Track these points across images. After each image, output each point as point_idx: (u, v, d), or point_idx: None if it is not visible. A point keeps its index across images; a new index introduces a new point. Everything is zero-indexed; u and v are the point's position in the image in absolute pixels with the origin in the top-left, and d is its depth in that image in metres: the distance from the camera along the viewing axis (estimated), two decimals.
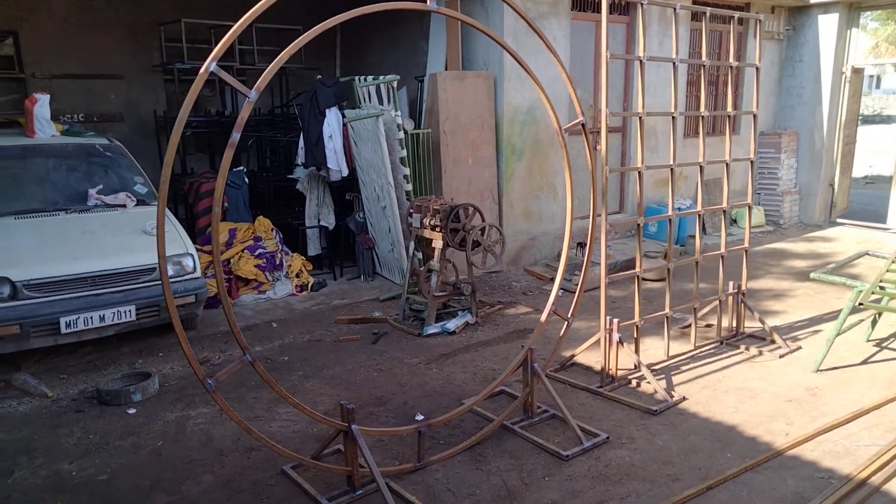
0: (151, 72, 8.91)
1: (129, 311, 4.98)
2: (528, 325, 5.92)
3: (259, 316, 6.13)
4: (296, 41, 3.02)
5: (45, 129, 6.08)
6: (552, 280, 6.93)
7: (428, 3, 3.39)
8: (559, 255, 7.57)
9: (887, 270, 5.05)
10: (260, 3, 2.81)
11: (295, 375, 4.88)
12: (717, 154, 6.77)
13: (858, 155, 19.30)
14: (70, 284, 4.82)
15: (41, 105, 6.04)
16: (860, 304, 4.51)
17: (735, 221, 10.06)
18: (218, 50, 2.77)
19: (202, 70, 2.78)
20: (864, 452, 3.68)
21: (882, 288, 4.71)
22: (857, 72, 10.42)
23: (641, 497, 3.31)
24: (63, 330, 4.74)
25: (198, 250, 6.36)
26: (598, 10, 7.89)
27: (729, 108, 5.23)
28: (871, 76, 42.17)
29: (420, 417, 4.14)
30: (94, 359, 5.17)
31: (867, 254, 5.87)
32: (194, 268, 5.34)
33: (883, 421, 4.06)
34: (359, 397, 4.47)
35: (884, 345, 5.36)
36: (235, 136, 2.92)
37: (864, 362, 5.02)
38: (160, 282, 5.07)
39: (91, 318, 4.83)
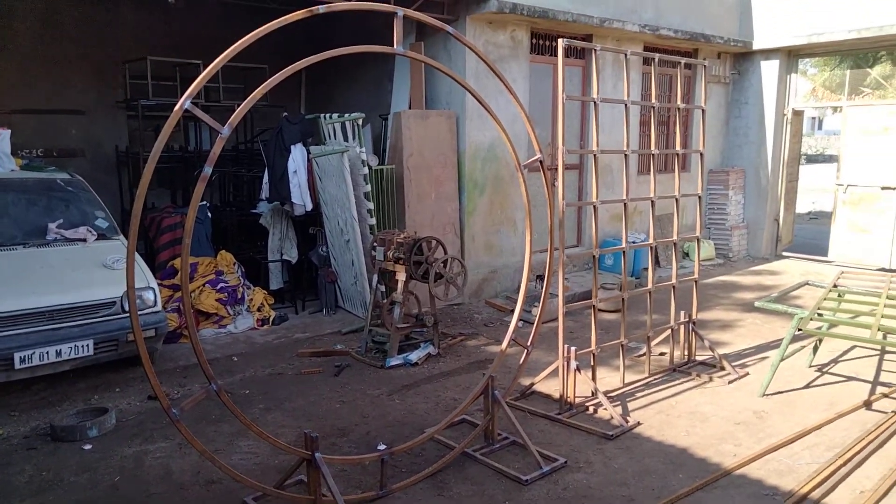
0: (115, 108, 8.91)
1: (87, 345, 4.92)
2: (489, 355, 6.03)
3: (220, 350, 6.10)
4: (269, 80, 3.17)
5: (4, 163, 6.05)
6: (513, 311, 7.10)
7: (395, 46, 3.58)
8: (519, 288, 7.76)
9: (825, 299, 5.36)
10: (235, 46, 2.95)
11: (256, 408, 4.87)
12: (669, 190, 7.11)
13: (802, 192, 20.26)
14: (26, 319, 4.77)
15: (1, 140, 6.02)
16: (799, 329, 4.77)
17: (687, 255, 10.44)
18: (193, 88, 2.90)
19: (177, 107, 2.89)
20: (805, 470, 3.87)
21: (820, 315, 5.00)
22: (798, 114, 11.07)
23: None
24: (17, 365, 4.67)
25: (159, 285, 6.34)
26: (555, 54, 8.24)
27: (678, 147, 5.54)
28: (814, 118, 44.49)
29: (382, 447, 4.18)
30: (47, 395, 5.06)
31: (808, 283, 6.20)
32: (155, 301, 5.33)
33: (823, 440, 4.28)
34: (321, 429, 4.49)
35: (825, 369, 5.64)
36: (207, 169, 3.03)
37: (807, 386, 5.27)
38: (119, 316, 5.10)
39: (47, 353, 4.76)
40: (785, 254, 11.13)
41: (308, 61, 3.19)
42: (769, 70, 10.62)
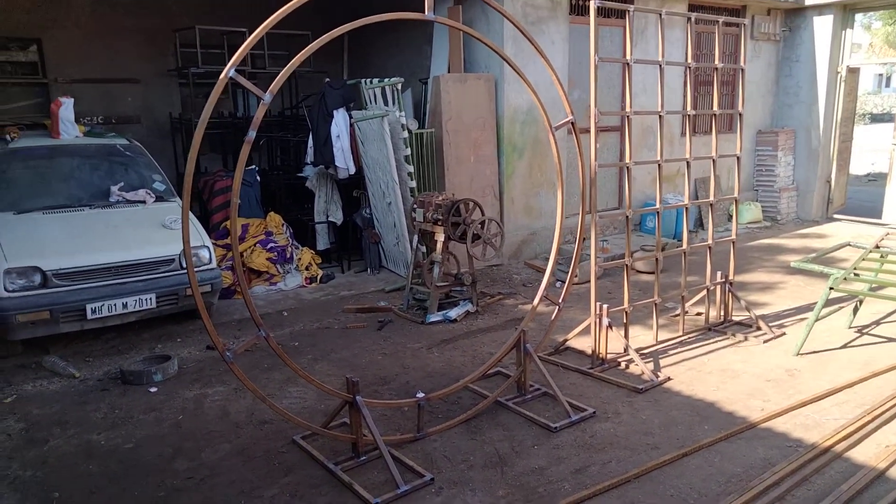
0: (167, 76, 9.29)
1: (150, 298, 5.33)
2: (525, 314, 6.20)
3: (271, 306, 6.47)
4: (306, 48, 3.36)
5: (69, 130, 6.45)
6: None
7: (426, 13, 3.71)
8: (560, 249, 7.86)
9: (863, 259, 5.31)
10: (275, 15, 3.13)
11: (304, 359, 5.20)
12: (721, 151, 7.05)
13: (864, 153, 19.46)
14: (95, 274, 5.18)
15: (66, 108, 6.42)
16: (831, 288, 4.77)
17: (732, 217, 10.30)
18: (237, 57, 3.10)
19: (222, 76, 3.11)
20: (832, 425, 3.95)
21: (856, 275, 4.98)
22: (853, 71, 10.64)
23: (621, 463, 3.61)
24: (89, 316, 5.10)
25: (214, 245, 6.72)
26: (597, 14, 8.18)
27: (715, 108, 5.50)
28: (881, 75, 42.12)
29: (421, 394, 4.44)
30: (116, 343, 5.52)
31: (849, 244, 6.12)
32: (210, 259, 5.68)
33: (854, 398, 4.33)
34: (364, 377, 4.78)
35: (864, 331, 5.62)
36: (252, 133, 3.26)
37: (844, 346, 5.28)
38: (178, 272, 5.48)
39: (115, 305, 5.18)
40: (836, 216, 10.86)
41: (342, 29, 3.35)
42: (822, 26, 10.21)
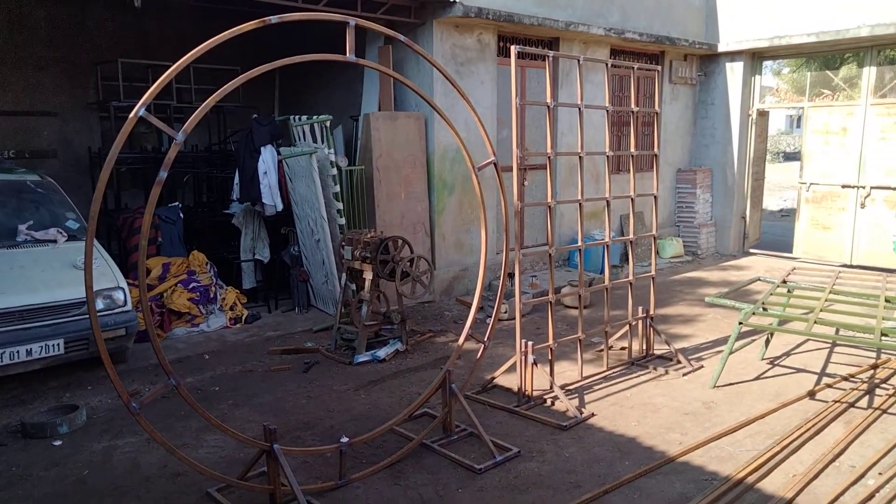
0: (87, 109, 8.97)
1: (58, 344, 5.03)
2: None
3: (192, 348, 6.22)
4: (223, 88, 3.31)
5: None
6: (482, 309, 7.28)
7: (348, 55, 3.74)
8: (491, 285, 7.95)
9: (771, 294, 5.60)
10: (190, 54, 3.09)
11: (225, 404, 5.01)
12: (641, 189, 7.32)
13: (778, 189, 20.68)
14: None
15: None
16: (740, 323, 5.00)
17: (657, 252, 10.69)
18: (147, 96, 3.03)
19: (132, 114, 3.03)
20: (745, 456, 4.08)
21: (765, 309, 5.23)
22: (763, 114, 11.37)
23: (545, 503, 3.61)
24: None
25: (130, 285, 6.43)
26: (523, 57, 8.47)
27: (632, 149, 5.74)
28: (791, 116, 45.20)
29: (344, 439, 4.33)
30: (19, 393, 5.16)
31: (759, 279, 6.45)
32: (125, 301, 5.43)
33: (765, 429, 4.51)
34: (287, 423, 4.64)
35: (776, 362, 5.89)
36: (162, 174, 3.17)
37: (757, 378, 5.51)
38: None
39: (17, 352, 4.86)
40: (752, 250, 11.44)
41: (261, 69, 3.34)
42: (734, 72, 10.90)
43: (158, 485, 3.85)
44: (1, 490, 3.80)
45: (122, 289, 5.46)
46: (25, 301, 4.98)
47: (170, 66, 3.10)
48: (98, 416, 4.81)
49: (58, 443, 4.38)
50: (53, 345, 5.01)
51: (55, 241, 5.81)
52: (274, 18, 3.34)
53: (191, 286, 6.69)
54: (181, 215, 7.45)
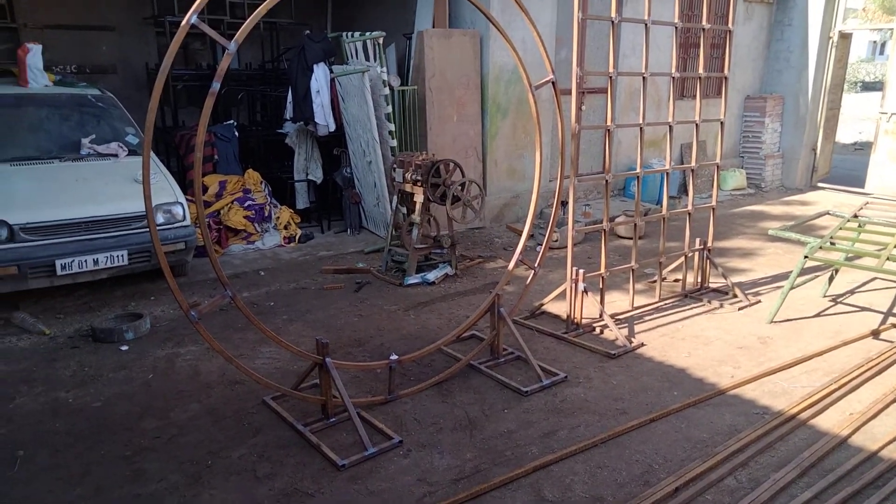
0: (143, 24, 8.96)
1: (122, 255, 5.23)
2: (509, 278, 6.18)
3: (247, 265, 6.39)
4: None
5: (38, 78, 6.22)
6: (532, 237, 7.20)
7: None
8: (542, 213, 7.82)
9: (840, 228, 5.31)
10: None
11: (279, 319, 5.17)
12: (708, 116, 6.93)
13: (853, 121, 19.39)
14: (65, 229, 5.06)
15: (34, 55, 6.17)
16: (806, 257, 4.77)
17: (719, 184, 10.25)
18: (198, 4, 2.95)
19: (183, 23, 2.96)
20: (799, 393, 3.99)
21: (833, 244, 4.98)
22: (845, 37, 10.49)
23: (590, 427, 3.63)
24: (59, 272, 5.00)
25: (188, 201, 6.59)
26: None
27: (700, 71, 5.40)
28: (874, 42, 41.73)
29: (394, 357, 4.43)
30: (88, 300, 5.44)
31: (828, 213, 6.11)
32: (184, 216, 5.57)
33: (823, 366, 4.38)
34: (339, 339, 4.77)
35: (839, 300, 5.65)
36: (215, 85, 3.12)
37: (817, 315, 5.31)
38: None
39: (85, 261, 5.08)
40: (820, 185, 10.86)
41: None
42: None
43: (217, 391, 4.04)
44: (76, 387, 4.06)
45: (181, 204, 5.58)
46: (91, 213, 5.16)
47: None
48: (161, 325, 5.04)
49: (124, 348, 4.63)
50: (118, 255, 5.21)
51: (116, 156, 5.95)
52: None
53: (246, 204, 6.80)
54: (236, 133, 7.50)
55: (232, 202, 6.75)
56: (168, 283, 3.14)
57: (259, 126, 8.79)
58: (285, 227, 7.04)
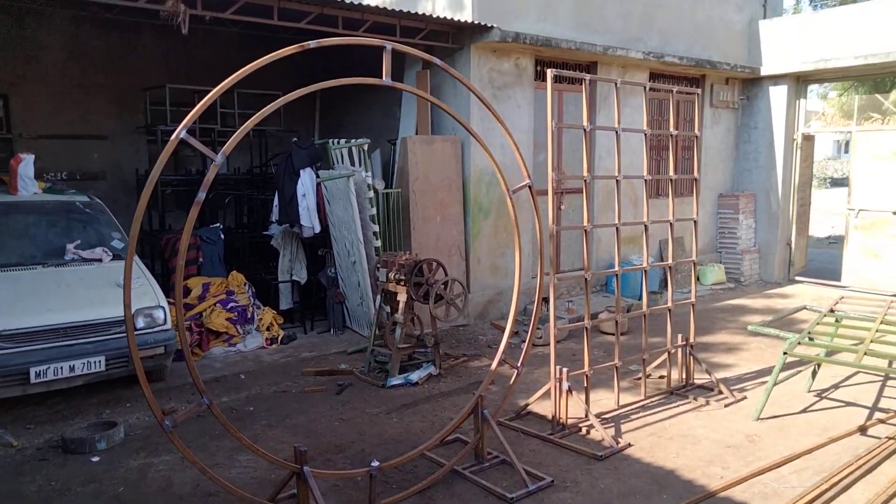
0: (136, 133, 9.30)
1: (99, 361, 5.14)
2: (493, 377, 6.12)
3: (228, 368, 6.29)
4: (259, 112, 3.38)
5: (27, 187, 6.36)
6: (517, 333, 7.20)
7: (384, 78, 3.77)
8: (526, 310, 7.87)
9: (818, 323, 5.38)
10: (228, 79, 3.17)
11: (258, 424, 5.03)
12: (681, 214, 7.17)
13: (825, 216, 20.07)
14: (41, 335, 5.00)
15: (25, 164, 6.34)
16: (785, 353, 4.80)
17: (698, 279, 10.44)
18: (189, 119, 3.11)
19: (173, 136, 3.11)
20: (790, 494, 3.89)
21: (811, 339, 5.03)
22: (808, 139, 11.08)
23: None
24: (33, 380, 4.89)
25: (171, 304, 6.56)
26: (561, 81, 8.47)
27: (671, 173, 5.65)
28: (838, 141, 43.96)
29: (375, 463, 4.29)
30: (61, 409, 5.28)
31: (805, 308, 6.22)
32: (165, 320, 5.54)
33: (813, 465, 4.30)
34: (318, 445, 4.63)
35: (824, 395, 5.63)
36: (201, 195, 3.23)
37: (804, 411, 5.27)
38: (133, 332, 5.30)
39: (61, 368, 4.98)
40: (798, 278, 11.07)
41: (297, 94, 3.40)
42: (778, 95, 10.67)
43: None
44: None
45: (163, 308, 5.57)
46: (70, 318, 5.12)
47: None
48: (135, 433, 4.88)
49: (95, 458, 4.45)
50: (95, 361, 5.12)
51: (100, 260, 5.99)
52: (312, 43, 3.40)
53: (229, 306, 6.79)
54: (222, 236, 7.61)
55: (215, 304, 6.74)
56: (159, 387, 3.09)
57: (245, 228, 8.93)
58: (268, 329, 7.00)
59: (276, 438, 4.77)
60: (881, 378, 5.96)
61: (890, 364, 5.15)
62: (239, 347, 6.73)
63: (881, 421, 5.00)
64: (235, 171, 9.54)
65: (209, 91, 3.16)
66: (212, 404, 3.24)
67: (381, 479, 4.03)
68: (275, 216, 7.57)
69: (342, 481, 4.06)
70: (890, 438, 4.63)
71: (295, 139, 7.67)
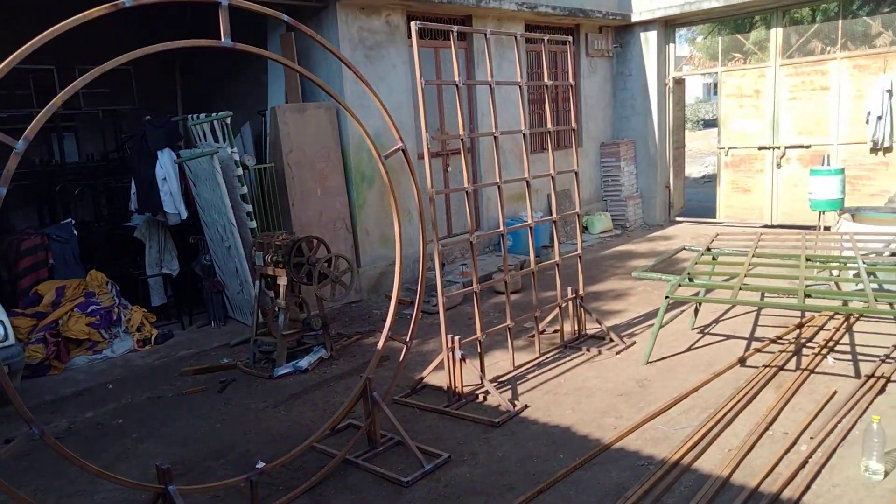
0: None
1: None
2: (386, 352, 5.88)
3: (93, 378, 5.67)
4: (64, 90, 2.87)
5: None
6: (412, 303, 6.98)
7: (223, 39, 3.32)
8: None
9: (696, 262, 5.53)
10: (15, 54, 2.64)
11: (128, 438, 4.54)
12: (565, 166, 7.15)
13: (699, 156, 21.16)
14: None
15: None
16: (667, 297, 4.89)
17: (587, 228, 10.65)
18: None
19: None
20: (680, 435, 3.96)
21: (691, 280, 5.14)
22: (679, 82, 11.45)
23: None
24: None
25: (20, 314, 5.84)
26: (437, 37, 8.16)
27: (548, 125, 5.54)
28: (708, 83, 46.61)
29: (260, 464, 3.96)
30: None
31: (684, 248, 6.40)
32: (6, 335, 4.86)
33: (699, 403, 4.41)
34: (196, 453, 4.23)
35: (706, 331, 5.84)
36: (2, 190, 2.70)
37: (689, 349, 5.44)
38: None
39: None
40: (678, 219, 11.56)
41: (111, 64, 2.91)
42: (648, 41, 10.91)
43: None
44: None
45: (2, 321, 4.88)
46: None
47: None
48: None
49: None
50: None
51: None
52: (128, 2, 2.91)
53: (90, 309, 6.11)
54: (75, 232, 6.81)
55: (72, 309, 6.03)
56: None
57: (106, 221, 8.08)
58: (138, 330, 6.38)
59: (147, 452, 4.31)
60: (756, 309, 6.26)
61: (762, 297, 5.37)
62: (106, 354, 6.09)
63: (757, 350, 5.23)
64: (89, 159, 8.58)
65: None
66: (44, 433, 2.79)
67: (267, 481, 3.73)
68: (134, 205, 6.86)
69: (223, 491, 3.71)
70: (766, 366, 4.84)
71: (148, 117, 6.92)
